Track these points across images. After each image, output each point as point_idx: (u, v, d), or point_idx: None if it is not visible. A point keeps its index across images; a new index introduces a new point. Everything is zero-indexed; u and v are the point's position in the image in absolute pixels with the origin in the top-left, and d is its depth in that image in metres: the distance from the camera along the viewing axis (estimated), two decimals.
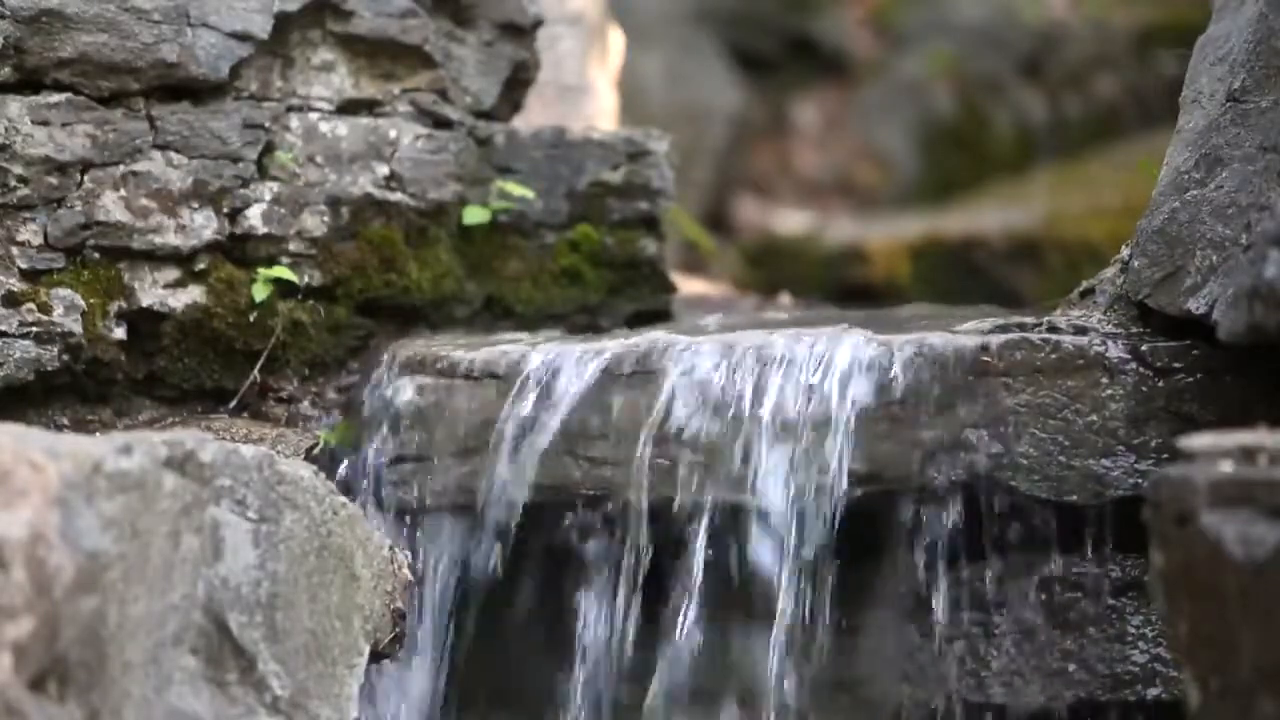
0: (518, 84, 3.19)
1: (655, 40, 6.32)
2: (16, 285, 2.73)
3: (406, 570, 2.37)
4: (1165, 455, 2.52)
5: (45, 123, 2.76)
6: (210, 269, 2.88)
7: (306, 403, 2.93)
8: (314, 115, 2.98)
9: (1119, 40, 6.78)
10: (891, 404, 2.59)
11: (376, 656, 2.32)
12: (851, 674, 2.64)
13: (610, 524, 2.64)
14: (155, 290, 2.85)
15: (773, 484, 2.57)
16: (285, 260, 2.93)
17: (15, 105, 2.74)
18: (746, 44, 7.10)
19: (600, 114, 4.22)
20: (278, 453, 2.30)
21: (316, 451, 2.77)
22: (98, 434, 2.72)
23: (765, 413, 2.59)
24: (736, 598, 2.60)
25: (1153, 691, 2.56)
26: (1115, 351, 2.60)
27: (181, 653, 2.08)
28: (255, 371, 2.90)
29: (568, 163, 3.14)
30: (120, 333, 2.82)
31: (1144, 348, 2.60)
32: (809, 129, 7.13)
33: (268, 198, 2.91)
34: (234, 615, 2.12)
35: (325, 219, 2.96)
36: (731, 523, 2.59)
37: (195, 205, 2.85)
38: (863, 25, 7.50)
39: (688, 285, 3.75)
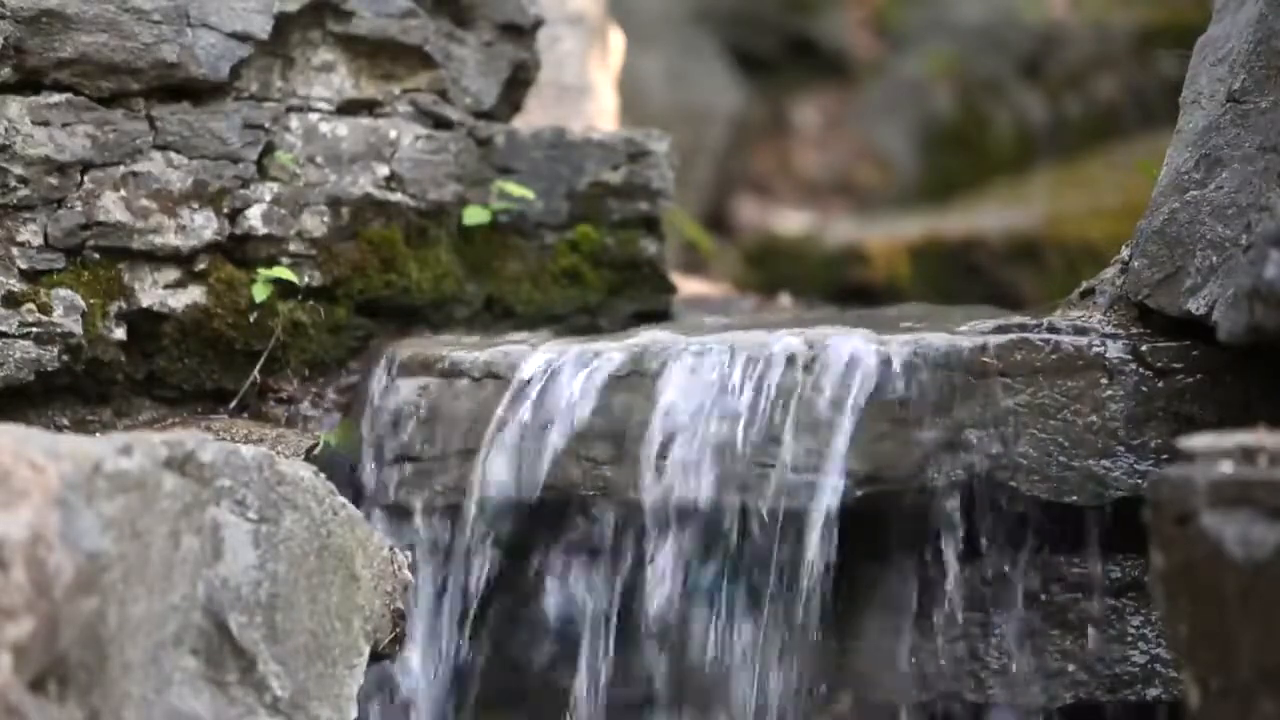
0: (518, 84, 3.19)
1: (655, 40, 6.32)
2: (16, 285, 2.73)
3: (406, 570, 2.37)
4: (1165, 455, 2.52)
5: (45, 123, 2.76)
6: (210, 269, 2.88)
7: (306, 403, 2.93)
8: (314, 116, 2.98)
9: (1119, 40, 6.78)
10: (891, 404, 2.59)
11: (376, 657, 2.32)
12: (851, 674, 2.64)
13: (610, 524, 2.64)
14: (155, 291, 2.85)
15: (772, 484, 2.57)
16: (285, 261, 2.93)
17: (15, 105, 2.74)
18: (746, 44, 7.10)
19: (600, 114, 4.22)
20: (278, 453, 2.29)
21: (316, 452, 2.77)
22: (98, 434, 2.72)
23: (764, 412, 2.59)
24: (734, 599, 2.60)
25: (1153, 691, 2.56)
26: (1115, 352, 2.60)
27: (181, 653, 2.08)
28: (255, 372, 2.90)
29: (568, 163, 3.14)
30: (120, 333, 2.82)
31: (1144, 348, 2.60)
32: (809, 129, 7.13)
33: (268, 198, 2.91)
34: (234, 616, 2.12)
35: (325, 219, 2.96)
36: (730, 522, 2.59)
37: (195, 205, 2.85)
38: (863, 25, 7.51)
39: (688, 285, 3.74)
